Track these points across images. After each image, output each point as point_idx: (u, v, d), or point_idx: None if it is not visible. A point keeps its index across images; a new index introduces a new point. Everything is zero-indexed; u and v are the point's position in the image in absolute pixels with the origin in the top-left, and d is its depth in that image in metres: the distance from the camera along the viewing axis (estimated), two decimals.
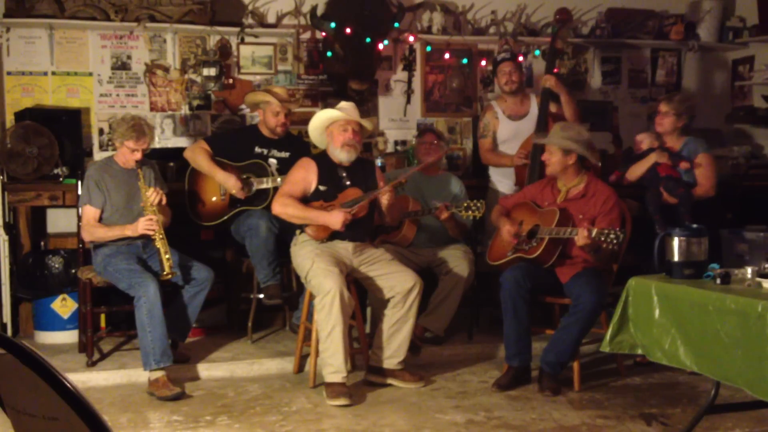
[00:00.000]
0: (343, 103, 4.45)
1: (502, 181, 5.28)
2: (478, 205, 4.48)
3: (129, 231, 4.30)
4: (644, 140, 4.78)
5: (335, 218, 4.17)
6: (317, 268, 4.08)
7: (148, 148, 4.40)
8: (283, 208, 4.26)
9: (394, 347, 4.23)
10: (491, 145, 5.27)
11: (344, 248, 4.28)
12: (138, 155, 4.36)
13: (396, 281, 4.20)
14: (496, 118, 5.25)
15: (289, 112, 4.95)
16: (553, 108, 5.13)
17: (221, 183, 4.80)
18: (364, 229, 4.39)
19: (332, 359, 4.02)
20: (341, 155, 4.30)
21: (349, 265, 4.26)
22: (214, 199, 4.89)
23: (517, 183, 5.11)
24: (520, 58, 5.51)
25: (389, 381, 4.26)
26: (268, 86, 5.46)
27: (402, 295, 4.16)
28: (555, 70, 5.29)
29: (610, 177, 4.82)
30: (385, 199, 4.25)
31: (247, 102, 5.21)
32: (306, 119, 6.15)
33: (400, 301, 4.17)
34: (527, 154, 4.97)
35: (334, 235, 4.26)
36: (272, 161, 4.88)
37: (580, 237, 3.97)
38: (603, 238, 3.90)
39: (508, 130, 5.22)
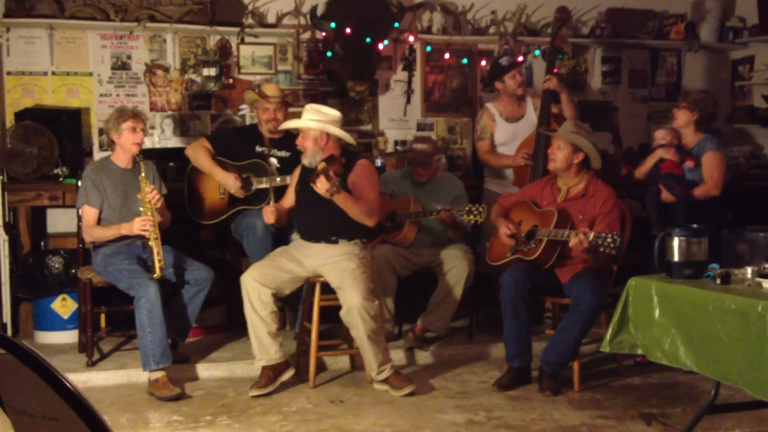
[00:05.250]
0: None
1: (497, 181, 5.26)
2: (480, 210, 4.46)
3: (124, 230, 4.30)
4: (664, 137, 4.66)
5: (230, 181, 4.63)
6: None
7: (146, 130, 4.47)
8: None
9: (369, 361, 4.14)
10: (490, 147, 5.23)
11: (304, 248, 4.26)
12: (140, 137, 4.37)
13: (342, 300, 4.09)
14: (493, 120, 5.22)
15: (280, 108, 4.87)
16: (554, 109, 5.12)
17: (221, 182, 4.80)
18: (320, 227, 4.22)
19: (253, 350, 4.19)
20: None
21: (309, 268, 4.22)
22: (213, 197, 4.88)
23: (517, 183, 5.05)
24: (520, 58, 5.49)
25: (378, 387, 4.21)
26: (262, 84, 5.45)
27: (345, 316, 4.08)
28: (555, 70, 5.28)
29: (622, 170, 4.78)
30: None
31: (246, 101, 5.20)
32: None
33: (348, 322, 4.10)
34: (530, 155, 4.95)
35: (298, 231, 4.39)
36: (273, 160, 4.88)
37: (578, 242, 3.95)
38: (600, 242, 3.89)
39: (506, 132, 5.20)
